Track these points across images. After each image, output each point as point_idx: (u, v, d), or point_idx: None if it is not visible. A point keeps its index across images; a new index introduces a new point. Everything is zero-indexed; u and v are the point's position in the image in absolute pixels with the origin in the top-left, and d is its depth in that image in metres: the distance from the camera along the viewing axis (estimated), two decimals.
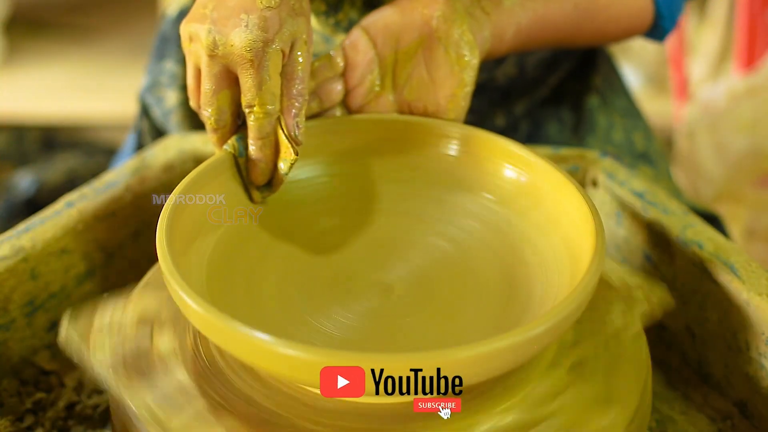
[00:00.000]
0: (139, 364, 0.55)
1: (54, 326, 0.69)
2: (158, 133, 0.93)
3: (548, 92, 0.91)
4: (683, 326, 0.68)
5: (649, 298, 0.59)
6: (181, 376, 0.54)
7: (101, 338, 0.57)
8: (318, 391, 0.53)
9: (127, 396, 0.53)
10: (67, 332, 0.57)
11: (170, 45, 0.94)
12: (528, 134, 0.90)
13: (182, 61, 0.92)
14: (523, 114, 0.90)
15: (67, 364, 0.69)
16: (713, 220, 0.88)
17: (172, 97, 0.91)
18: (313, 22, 0.79)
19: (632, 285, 0.60)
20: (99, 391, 0.66)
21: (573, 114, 0.92)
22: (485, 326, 0.57)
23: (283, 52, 0.58)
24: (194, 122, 0.89)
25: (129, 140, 0.99)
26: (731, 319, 0.63)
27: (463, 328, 0.58)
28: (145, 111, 0.94)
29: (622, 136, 0.92)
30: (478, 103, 0.86)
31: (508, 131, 0.89)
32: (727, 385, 0.65)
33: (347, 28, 0.78)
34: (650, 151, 0.94)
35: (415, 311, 0.59)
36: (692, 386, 0.67)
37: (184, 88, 0.90)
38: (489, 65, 0.84)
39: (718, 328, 0.65)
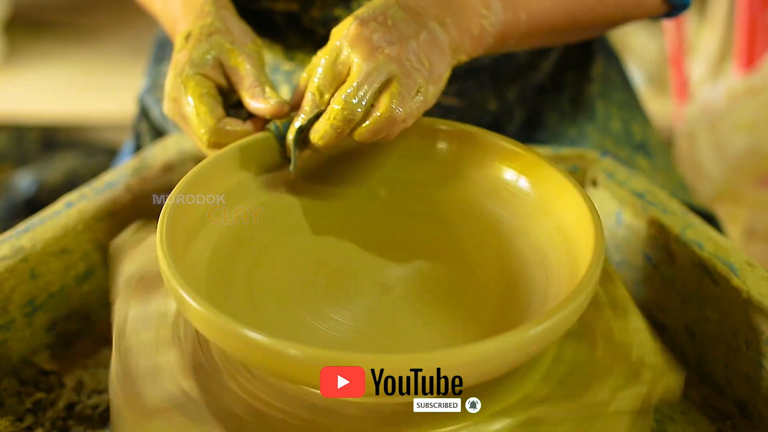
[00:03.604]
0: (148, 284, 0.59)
1: (54, 326, 0.69)
2: (157, 133, 0.93)
3: (544, 79, 0.91)
4: (683, 326, 0.68)
5: (654, 381, 0.55)
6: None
7: (136, 253, 0.61)
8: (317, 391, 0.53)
9: (116, 306, 0.57)
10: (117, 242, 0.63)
11: (168, 49, 0.95)
12: (525, 122, 0.90)
13: None
14: (517, 99, 0.90)
15: (67, 364, 0.69)
16: (710, 219, 0.88)
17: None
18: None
19: (645, 364, 0.56)
20: (99, 391, 0.66)
21: (572, 105, 0.92)
22: (485, 326, 0.57)
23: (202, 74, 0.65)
24: None
25: (128, 143, 1.00)
26: (731, 319, 0.63)
27: (462, 327, 0.58)
28: (144, 113, 0.95)
29: (620, 127, 0.92)
30: (466, 87, 0.87)
31: (503, 117, 0.89)
32: (727, 385, 0.65)
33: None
34: (649, 143, 0.94)
35: (415, 311, 0.59)
36: (692, 386, 0.67)
37: None
38: None
39: (718, 328, 0.65)
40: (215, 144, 0.63)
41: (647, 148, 0.93)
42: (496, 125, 0.89)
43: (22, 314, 0.67)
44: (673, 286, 0.68)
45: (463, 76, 0.86)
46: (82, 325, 0.71)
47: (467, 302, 0.60)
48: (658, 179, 0.90)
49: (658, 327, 0.71)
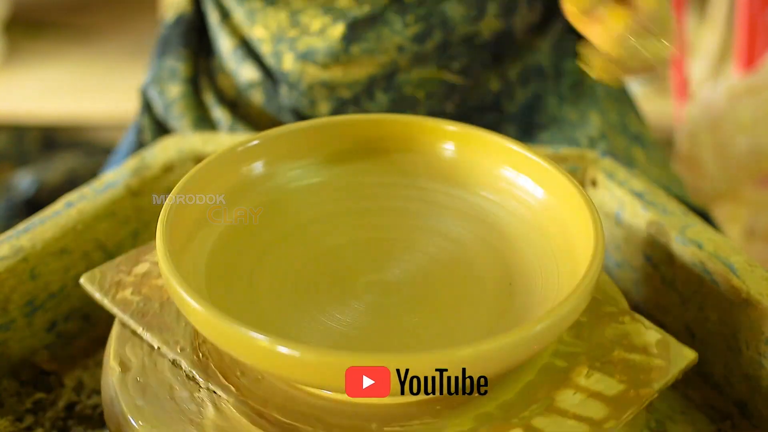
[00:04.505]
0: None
1: (54, 326, 0.69)
2: (159, 127, 0.94)
3: (545, 62, 0.92)
4: (683, 326, 0.68)
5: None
6: None
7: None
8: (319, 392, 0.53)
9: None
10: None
11: (171, 45, 0.97)
12: (526, 104, 0.91)
13: (183, 59, 0.95)
14: (518, 80, 0.91)
15: (67, 364, 0.69)
16: (704, 218, 0.89)
17: (173, 90, 0.93)
18: None
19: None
20: (99, 391, 0.66)
21: (573, 90, 0.93)
22: (485, 325, 0.57)
23: None
24: (195, 115, 0.92)
25: (128, 135, 1.00)
26: (731, 319, 0.63)
27: (463, 326, 0.58)
28: (146, 107, 0.96)
29: (617, 118, 0.94)
30: (470, 65, 0.88)
31: (504, 97, 0.90)
32: (727, 385, 0.65)
33: None
34: (644, 136, 0.96)
35: (415, 310, 0.59)
36: (692, 386, 0.67)
37: (185, 81, 0.94)
38: (473, 15, 0.86)
39: (718, 328, 0.65)
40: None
41: (643, 140, 0.95)
42: (497, 105, 0.90)
43: (22, 314, 0.67)
44: (673, 286, 0.68)
45: (468, 54, 0.87)
46: (82, 325, 0.71)
47: (467, 301, 0.60)
48: (654, 172, 0.91)
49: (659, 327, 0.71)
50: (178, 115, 0.92)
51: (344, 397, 0.52)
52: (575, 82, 0.94)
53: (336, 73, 0.86)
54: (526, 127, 0.91)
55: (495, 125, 0.90)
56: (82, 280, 0.62)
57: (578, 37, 0.95)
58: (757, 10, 1.49)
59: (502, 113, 0.90)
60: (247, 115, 0.92)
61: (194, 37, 0.97)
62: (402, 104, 0.88)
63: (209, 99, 0.93)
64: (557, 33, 0.94)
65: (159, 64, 0.97)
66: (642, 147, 0.93)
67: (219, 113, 0.92)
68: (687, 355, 0.56)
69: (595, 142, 0.89)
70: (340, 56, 0.85)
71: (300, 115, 0.89)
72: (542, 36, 0.92)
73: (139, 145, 0.95)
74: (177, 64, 0.95)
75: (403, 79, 0.87)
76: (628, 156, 0.90)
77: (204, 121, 0.92)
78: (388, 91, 0.87)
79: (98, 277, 0.62)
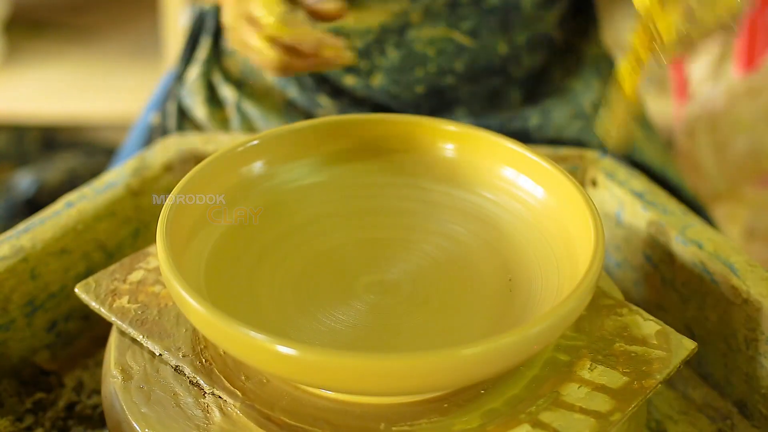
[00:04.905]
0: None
1: (54, 326, 0.69)
2: (180, 112, 0.97)
3: (554, 33, 0.94)
4: (683, 326, 0.68)
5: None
6: None
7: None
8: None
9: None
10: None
11: (199, 32, 1.02)
12: (532, 72, 0.93)
13: (203, 43, 0.99)
14: (526, 45, 0.93)
15: (67, 364, 0.69)
16: (698, 210, 0.90)
17: (193, 71, 0.98)
18: None
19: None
20: (99, 391, 0.66)
21: (578, 64, 0.96)
22: (485, 325, 0.57)
23: None
24: (206, 94, 0.95)
25: (135, 132, 1.01)
26: (731, 319, 0.63)
27: (463, 326, 0.58)
28: (171, 93, 0.98)
29: None
30: (478, 26, 0.90)
31: (511, 61, 0.92)
32: (727, 385, 0.65)
33: None
34: (644, 119, 0.99)
35: (415, 310, 0.59)
36: (692, 386, 0.67)
37: (202, 63, 0.98)
38: None
39: (718, 328, 0.65)
40: (278, 39, 0.63)
41: (642, 123, 0.98)
42: (504, 70, 0.92)
43: (22, 314, 0.67)
44: (673, 286, 0.68)
45: (476, 16, 0.89)
46: (82, 325, 0.71)
47: (467, 301, 0.60)
48: (651, 150, 0.93)
49: None
50: (192, 93, 0.95)
51: (350, 397, 0.52)
52: (581, 59, 0.96)
53: (349, 20, 0.88)
54: (530, 93, 0.93)
55: (501, 88, 0.92)
56: (77, 290, 0.61)
57: (586, 14, 0.97)
58: (757, 10, 1.49)
59: (508, 77, 0.92)
60: (252, 93, 0.94)
61: (214, 23, 1.00)
62: (412, 60, 0.89)
63: (217, 78, 0.96)
64: (563, 8, 0.96)
65: (188, 48, 1.01)
66: (642, 128, 0.96)
67: (226, 91, 0.95)
68: (687, 346, 0.56)
69: (598, 107, 0.91)
70: (353, 0, 0.87)
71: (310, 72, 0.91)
72: (548, 10, 0.94)
73: (163, 131, 0.97)
74: (199, 48, 0.99)
75: (413, 36, 0.89)
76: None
77: (213, 101, 0.95)
78: (399, 47, 0.89)
79: (93, 286, 0.61)
